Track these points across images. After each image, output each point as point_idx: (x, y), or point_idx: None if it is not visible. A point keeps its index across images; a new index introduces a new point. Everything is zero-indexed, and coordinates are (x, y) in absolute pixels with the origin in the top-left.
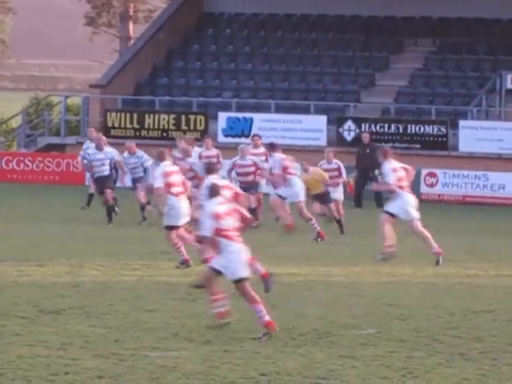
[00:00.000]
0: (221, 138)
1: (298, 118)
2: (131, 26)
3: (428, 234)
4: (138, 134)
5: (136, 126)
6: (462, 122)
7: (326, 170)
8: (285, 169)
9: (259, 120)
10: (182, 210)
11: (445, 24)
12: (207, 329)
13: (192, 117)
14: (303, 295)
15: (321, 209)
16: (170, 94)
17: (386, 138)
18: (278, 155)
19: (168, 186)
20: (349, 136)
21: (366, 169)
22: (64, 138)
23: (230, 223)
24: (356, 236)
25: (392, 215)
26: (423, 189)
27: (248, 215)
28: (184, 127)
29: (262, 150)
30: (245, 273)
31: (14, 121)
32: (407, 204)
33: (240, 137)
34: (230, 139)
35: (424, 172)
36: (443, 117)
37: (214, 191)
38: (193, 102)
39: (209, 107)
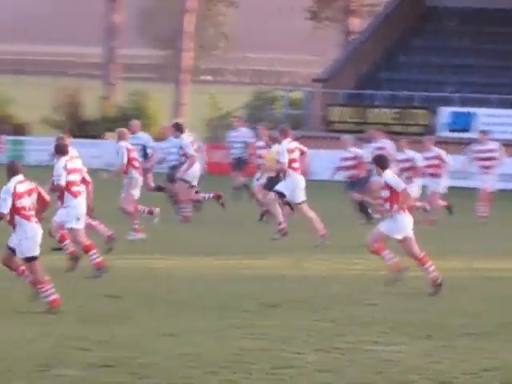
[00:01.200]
0: (442, 133)
1: None
2: (354, 20)
3: (313, 216)
4: (359, 128)
5: (357, 120)
6: None
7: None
8: None
9: (483, 115)
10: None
11: None
12: (426, 323)
13: (414, 111)
14: None
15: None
16: (392, 89)
17: None
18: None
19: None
20: None
21: None
22: None
23: (28, 202)
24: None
25: (281, 194)
26: None
27: (47, 198)
28: (406, 122)
29: (489, 145)
30: (35, 252)
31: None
32: (296, 185)
33: (464, 131)
34: (455, 134)
35: None
36: None
37: (13, 169)
38: (414, 97)
39: (430, 102)
